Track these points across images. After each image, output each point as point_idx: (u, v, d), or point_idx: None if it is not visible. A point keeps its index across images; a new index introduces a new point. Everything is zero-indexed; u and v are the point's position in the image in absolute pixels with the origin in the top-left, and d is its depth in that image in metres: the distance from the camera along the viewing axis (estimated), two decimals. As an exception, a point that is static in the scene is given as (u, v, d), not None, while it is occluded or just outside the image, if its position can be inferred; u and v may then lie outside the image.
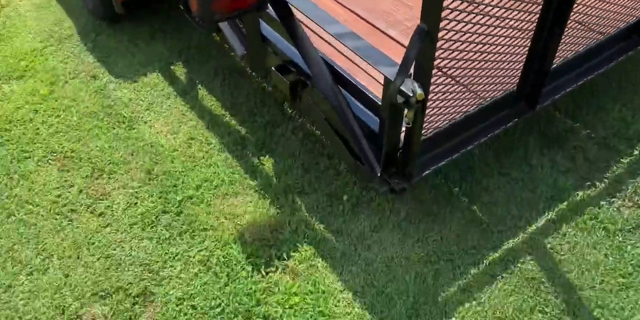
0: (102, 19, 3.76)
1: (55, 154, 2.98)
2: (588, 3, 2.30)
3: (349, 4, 2.93)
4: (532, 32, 2.16)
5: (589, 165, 2.91)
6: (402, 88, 1.79)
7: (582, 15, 2.31)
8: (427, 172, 2.24)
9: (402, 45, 2.70)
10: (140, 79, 3.43)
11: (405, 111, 1.95)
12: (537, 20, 2.13)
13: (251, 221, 2.67)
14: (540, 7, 2.05)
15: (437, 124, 2.17)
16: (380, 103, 2.12)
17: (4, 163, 2.93)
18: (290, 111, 3.20)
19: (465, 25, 1.82)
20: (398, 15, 2.87)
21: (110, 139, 3.06)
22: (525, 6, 1.98)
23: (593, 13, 2.38)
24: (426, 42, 1.71)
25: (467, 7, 1.75)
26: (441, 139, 2.27)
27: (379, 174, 2.19)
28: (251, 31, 2.68)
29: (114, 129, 3.12)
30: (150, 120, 3.18)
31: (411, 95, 1.79)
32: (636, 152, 2.96)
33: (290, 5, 2.24)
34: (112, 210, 2.73)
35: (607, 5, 2.42)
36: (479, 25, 1.87)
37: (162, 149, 3.01)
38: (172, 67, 3.51)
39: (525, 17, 2.04)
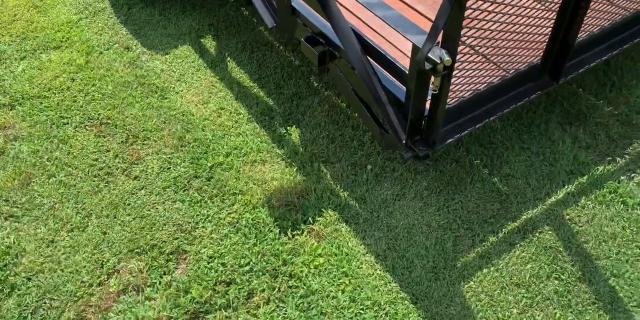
0: (135, -7, 3.87)
1: (92, 121, 3.12)
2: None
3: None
4: (559, 4, 2.20)
5: (610, 142, 2.95)
6: (430, 55, 1.86)
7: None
8: (450, 140, 2.32)
9: (429, 19, 2.76)
10: (171, 51, 3.54)
11: (432, 79, 2.02)
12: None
13: (278, 187, 2.78)
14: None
15: (461, 94, 2.24)
16: (407, 72, 2.19)
17: (44, 128, 3.08)
18: (316, 84, 3.29)
19: (493, -5, 1.87)
20: (425, -9, 2.91)
21: (143, 107, 3.19)
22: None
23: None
24: (455, 9, 1.77)
25: None
26: (465, 109, 2.34)
27: (404, 141, 2.28)
28: (281, 3, 2.76)
29: (147, 98, 3.24)
30: (181, 91, 3.30)
31: (439, 62, 1.86)
32: (658, 130, 2.99)
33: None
34: (146, 174, 2.86)
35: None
36: (507, -4, 1.93)
37: (193, 118, 3.13)
38: (201, 40, 3.61)
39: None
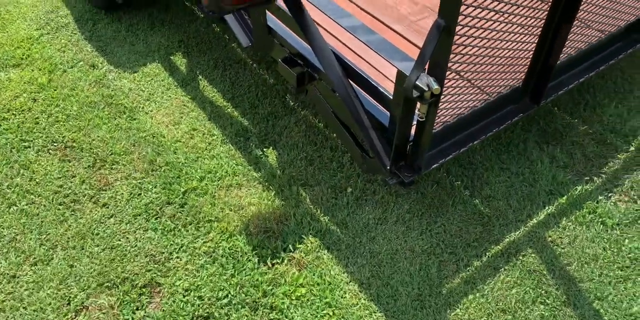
0: (100, 8, 3.72)
1: (56, 144, 2.95)
2: (593, 1, 2.34)
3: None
4: (541, 28, 2.19)
5: (587, 161, 2.97)
6: (418, 83, 1.81)
7: (586, 13, 2.35)
8: (435, 165, 2.27)
9: (408, 40, 2.72)
10: (140, 68, 3.40)
11: (418, 105, 1.97)
12: (546, 16, 2.16)
13: (256, 213, 2.68)
14: (550, 2, 2.08)
15: (446, 119, 2.20)
16: (391, 97, 2.13)
17: (4, 152, 2.90)
18: (292, 103, 3.21)
19: (480, 21, 1.84)
20: (402, 10, 2.88)
21: (111, 129, 3.04)
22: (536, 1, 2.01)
23: (596, 11, 2.42)
24: (443, 37, 1.73)
25: (483, 2, 1.77)
26: (449, 133, 2.30)
27: (388, 167, 2.22)
28: (257, 23, 2.67)
29: (115, 119, 3.09)
30: (151, 111, 3.16)
31: (426, 89, 1.81)
32: (632, 148, 3.02)
33: (301, -2, 2.24)
34: (115, 201, 2.71)
35: (610, 3, 2.46)
36: (493, 21, 1.90)
37: (164, 140, 3.00)
38: (171, 57, 3.49)
39: (536, 13, 2.07)
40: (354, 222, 2.67)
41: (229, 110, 3.18)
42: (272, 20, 2.65)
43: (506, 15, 1.94)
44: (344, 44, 2.59)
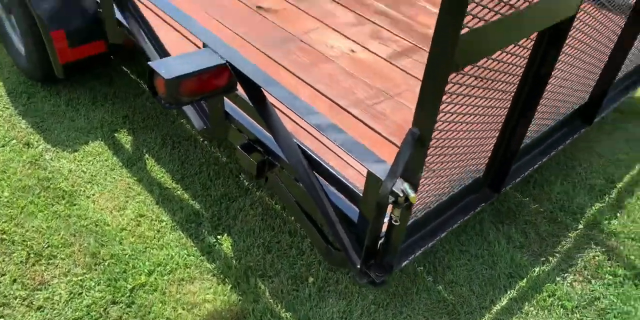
0: (36, 80, 3.50)
1: (-17, 237, 2.65)
2: (550, 88, 2.43)
3: (309, 80, 2.92)
4: (504, 118, 2.24)
5: (541, 240, 3.01)
6: (394, 189, 1.76)
7: (541, 105, 2.44)
8: (406, 262, 2.20)
9: (364, 124, 2.71)
10: (80, 147, 3.19)
11: (390, 207, 1.91)
12: (509, 107, 2.21)
13: (212, 311, 2.48)
14: (513, 95, 2.14)
15: (414, 215, 2.15)
16: (360, 194, 2.07)
17: None
18: (247, 183, 3.09)
19: (454, 125, 1.84)
20: (359, 94, 2.88)
21: (48, 217, 2.77)
22: (504, 95, 2.06)
23: (551, 98, 2.52)
24: (418, 145, 1.70)
25: (458, 108, 1.78)
26: (417, 227, 2.26)
27: (358, 266, 2.12)
28: (214, 107, 2.58)
29: (53, 205, 2.84)
30: (93, 195, 2.93)
31: (401, 195, 1.76)
32: (580, 226, 3.11)
33: (263, 90, 2.18)
34: (52, 303, 2.43)
35: (557, 94, 2.57)
36: (464, 123, 1.91)
37: (108, 229, 2.77)
38: (115, 134, 3.30)
39: (502, 105, 2.12)
40: (317, 317, 2.52)
41: (178, 192, 3.01)
42: (230, 105, 2.56)
43: (476, 116, 1.96)
44: (308, 131, 2.54)
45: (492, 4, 1.50)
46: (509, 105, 2.17)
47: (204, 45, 2.32)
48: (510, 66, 1.93)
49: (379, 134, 2.61)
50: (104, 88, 3.57)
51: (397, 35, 3.31)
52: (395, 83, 2.97)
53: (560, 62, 2.21)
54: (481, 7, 1.43)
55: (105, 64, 3.52)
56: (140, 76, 3.62)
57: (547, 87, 2.18)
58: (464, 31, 1.42)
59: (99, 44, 3.23)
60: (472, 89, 1.77)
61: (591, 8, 2.24)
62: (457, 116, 1.82)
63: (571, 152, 3.52)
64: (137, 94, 3.55)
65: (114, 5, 2.98)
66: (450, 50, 1.44)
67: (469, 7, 1.38)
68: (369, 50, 3.18)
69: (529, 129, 2.34)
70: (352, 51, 3.17)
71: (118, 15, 3.02)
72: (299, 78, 2.94)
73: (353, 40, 3.25)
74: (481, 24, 1.47)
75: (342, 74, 3.00)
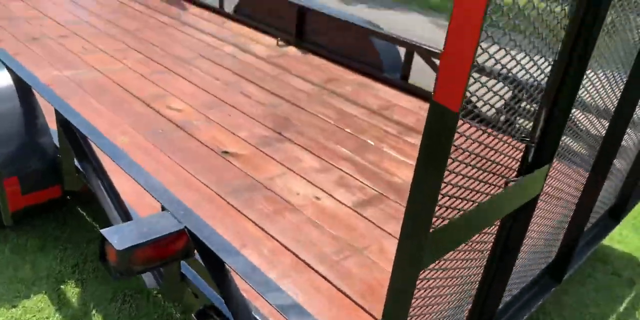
0: (-18, 224, 3.29)
1: None
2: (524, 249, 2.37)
3: (272, 231, 2.81)
4: (475, 291, 2.13)
5: None
6: None
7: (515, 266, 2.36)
8: None
9: (330, 283, 2.56)
10: (20, 302, 2.90)
11: None
12: (479, 281, 2.11)
13: None
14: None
15: None
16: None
17: None
18: (202, 346, 2.80)
19: (426, 308, 1.72)
20: (325, 248, 2.77)
21: None
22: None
23: (520, 264, 2.45)
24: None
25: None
26: None
27: None
28: (169, 269, 2.40)
29: (-24, 379, 2.48)
30: (26, 363, 2.60)
31: None
32: None
33: (219, 256, 2.05)
34: None
35: (531, 253, 2.51)
36: (435, 305, 1.79)
37: None
38: (62, 286, 3.04)
39: (472, 280, 2.02)
40: None
41: (125, 357, 2.70)
42: (187, 267, 2.40)
43: (445, 296, 1.84)
44: (268, 302, 2.36)
45: (457, 203, 1.46)
46: (479, 279, 2.09)
47: (163, 208, 2.22)
48: (480, 244, 1.87)
49: (349, 297, 2.45)
50: (55, 231, 3.37)
51: (362, 182, 3.31)
52: (361, 233, 2.88)
53: (529, 230, 2.17)
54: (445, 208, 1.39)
55: (59, 208, 3.36)
56: (95, 219, 3.45)
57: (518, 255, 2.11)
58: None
59: (54, 189, 3.10)
60: (440, 280, 1.69)
61: (557, 173, 2.24)
62: (428, 300, 1.71)
63: (543, 305, 3.39)
64: (90, 239, 3.35)
65: (73, 152, 2.91)
66: (418, 252, 1.37)
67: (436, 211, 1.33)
68: (334, 198, 3.14)
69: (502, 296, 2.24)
70: (317, 198, 3.12)
71: (77, 162, 2.93)
72: (263, 230, 2.83)
73: (319, 188, 3.22)
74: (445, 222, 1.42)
75: (307, 224, 2.91)
